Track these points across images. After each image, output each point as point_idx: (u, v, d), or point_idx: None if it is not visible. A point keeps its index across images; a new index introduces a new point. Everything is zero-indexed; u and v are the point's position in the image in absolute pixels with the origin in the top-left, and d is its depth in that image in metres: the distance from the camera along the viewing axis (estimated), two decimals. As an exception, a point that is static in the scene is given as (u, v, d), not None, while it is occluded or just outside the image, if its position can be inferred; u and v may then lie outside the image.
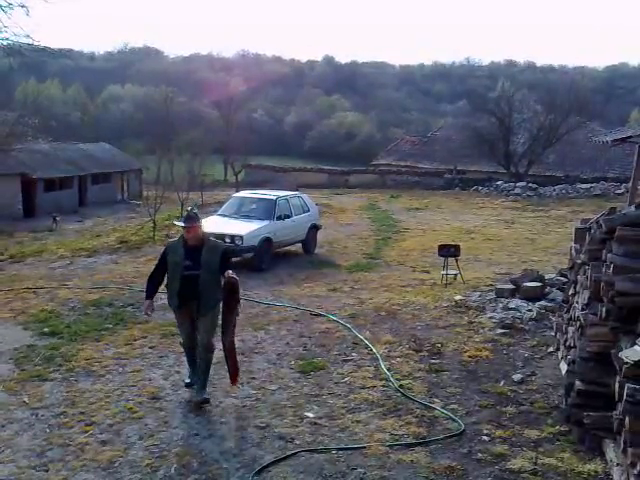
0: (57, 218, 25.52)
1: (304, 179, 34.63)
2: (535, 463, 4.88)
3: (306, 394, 6.37)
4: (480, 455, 5.07)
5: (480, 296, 9.85)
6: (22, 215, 29.68)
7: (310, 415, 5.87)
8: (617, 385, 4.46)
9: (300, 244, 15.75)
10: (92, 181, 35.66)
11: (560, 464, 4.85)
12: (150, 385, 6.64)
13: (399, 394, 6.29)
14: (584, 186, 30.86)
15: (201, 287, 6.12)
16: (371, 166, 40.12)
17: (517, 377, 6.65)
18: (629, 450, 4.15)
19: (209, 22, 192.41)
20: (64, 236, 21.70)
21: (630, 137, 14.30)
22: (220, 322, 6.28)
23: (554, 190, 30.40)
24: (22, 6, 17.90)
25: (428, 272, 13.15)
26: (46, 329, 8.61)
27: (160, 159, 30.52)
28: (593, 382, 5.08)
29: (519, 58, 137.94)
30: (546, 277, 9.86)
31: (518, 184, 31.36)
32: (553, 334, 7.66)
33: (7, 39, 17.75)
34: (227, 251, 6.52)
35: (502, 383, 6.54)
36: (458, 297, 9.82)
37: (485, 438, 5.36)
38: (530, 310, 8.75)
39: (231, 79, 63.40)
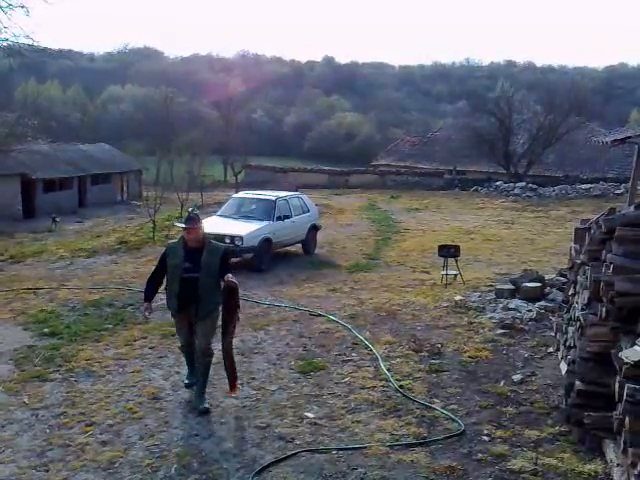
0: (56, 219, 25.51)
1: (304, 179, 34.62)
2: (535, 463, 4.88)
3: (306, 394, 6.37)
4: (480, 455, 5.07)
5: (480, 296, 9.86)
6: (22, 216, 29.64)
7: (310, 415, 5.87)
8: (617, 385, 4.46)
9: (300, 244, 15.76)
10: (92, 182, 35.63)
11: (560, 464, 4.85)
12: (150, 385, 6.64)
13: (399, 394, 6.29)
14: (584, 186, 30.88)
15: (200, 290, 6.06)
16: (371, 166, 40.10)
17: (517, 377, 6.66)
18: (629, 450, 4.15)
19: (209, 22, 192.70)
20: (64, 237, 21.69)
21: (629, 137, 14.31)
22: (220, 325, 6.24)
23: (554, 190, 30.41)
24: (22, 6, 17.98)
25: (428, 272, 13.16)
26: (46, 329, 8.62)
27: (160, 160, 30.56)
28: (593, 382, 5.08)
29: (519, 58, 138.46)
30: (546, 277, 9.87)
31: (518, 184, 31.37)
32: (553, 334, 7.67)
33: (7, 39, 17.77)
34: (227, 252, 6.50)
35: (502, 383, 6.55)
36: (458, 297, 9.83)
37: (485, 438, 5.36)
38: (530, 310, 8.75)
39: (231, 79, 63.35)
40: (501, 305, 9.17)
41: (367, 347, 7.73)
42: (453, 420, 5.69)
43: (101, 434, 5.55)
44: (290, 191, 18.43)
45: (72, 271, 13.79)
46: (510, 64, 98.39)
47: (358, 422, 5.71)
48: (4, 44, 18.24)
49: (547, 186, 30.97)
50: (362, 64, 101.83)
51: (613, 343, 4.88)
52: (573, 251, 7.15)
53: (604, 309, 4.97)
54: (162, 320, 8.60)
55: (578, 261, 6.44)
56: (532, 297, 9.19)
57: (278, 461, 5.05)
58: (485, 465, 4.93)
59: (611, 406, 4.66)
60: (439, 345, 7.71)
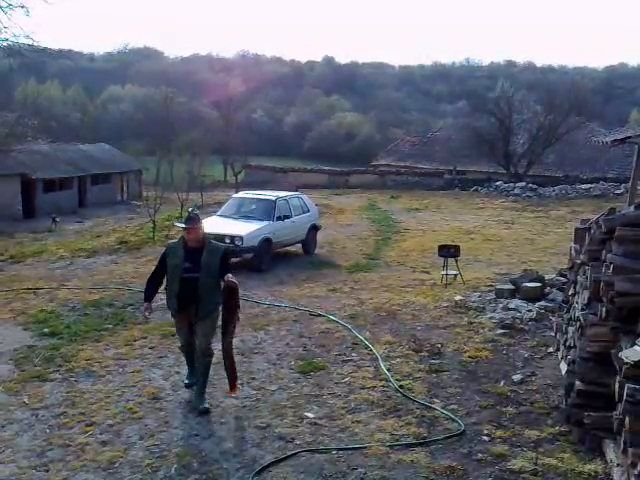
0: (56, 219, 25.52)
1: (304, 179, 34.62)
2: (535, 463, 4.88)
3: (306, 394, 6.38)
4: (480, 455, 5.07)
5: (480, 296, 9.86)
6: (22, 216, 29.64)
7: (310, 415, 5.87)
8: (617, 385, 4.46)
9: (300, 244, 15.76)
10: (92, 182, 35.63)
11: (560, 464, 4.85)
12: (150, 385, 6.64)
13: (399, 394, 6.29)
14: (584, 186, 30.88)
15: (200, 290, 6.05)
16: (371, 166, 40.10)
17: (517, 377, 6.66)
18: (629, 450, 4.15)
19: (209, 22, 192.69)
20: (64, 237, 21.69)
21: (629, 137, 14.31)
22: (220, 326, 6.22)
23: (554, 190, 30.41)
24: (22, 6, 17.99)
25: (428, 272, 13.16)
26: (46, 329, 8.62)
27: (160, 160, 30.57)
28: (593, 382, 5.08)
29: (519, 58, 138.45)
30: (546, 277, 9.87)
31: (518, 184, 31.38)
32: (553, 334, 7.67)
33: (7, 39, 17.78)
34: (227, 252, 6.50)
35: (502, 383, 6.55)
36: (458, 297, 9.83)
37: (485, 438, 5.36)
38: (530, 310, 8.75)
39: (231, 79, 63.36)
40: (501, 305, 9.18)
41: (367, 347, 7.73)
42: (453, 420, 5.69)
43: (101, 434, 5.55)
44: (290, 191, 18.44)
45: (72, 271, 13.80)
46: (510, 64, 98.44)
47: (358, 422, 5.71)
48: (4, 44, 18.26)
49: (547, 186, 30.98)
50: (362, 64, 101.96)
51: (613, 343, 4.88)
52: (573, 251, 7.15)
53: (604, 309, 4.97)
54: (162, 320, 8.60)
55: (578, 261, 6.44)
56: (532, 297, 9.19)
57: (278, 461, 5.05)
58: (485, 465, 4.93)
59: (611, 406, 4.66)
60: (439, 345, 7.71)
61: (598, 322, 5.11)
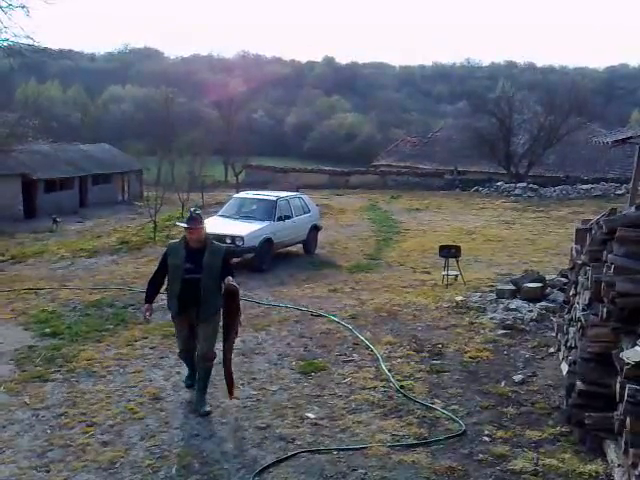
0: (57, 219, 25.53)
1: (304, 180, 34.63)
2: (536, 464, 4.88)
3: (307, 395, 6.37)
4: (481, 456, 5.07)
5: (481, 297, 9.86)
6: (23, 216, 29.67)
7: (311, 416, 5.87)
8: (618, 386, 4.46)
9: (301, 245, 15.76)
10: (93, 182, 35.66)
11: (561, 465, 4.85)
12: (151, 386, 6.64)
13: (400, 395, 6.29)
14: (584, 187, 30.86)
15: (202, 292, 5.98)
16: (371, 167, 40.11)
17: (518, 378, 6.65)
18: (630, 451, 4.14)
19: (209, 22, 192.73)
20: (65, 237, 21.71)
21: (630, 138, 14.31)
22: (221, 329, 6.14)
23: (554, 191, 30.40)
24: (22, 7, 18.03)
25: (429, 273, 13.15)
26: (47, 330, 8.62)
27: (161, 160, 30.62)
28: (594, 383, 5.08)
29: (519, 59, 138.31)
30: (547, 278, 9.86)
31: (518, 185, 31.36)
32: (554, 335, 7.67)
33: (7, 40, 17.80)
34: (228, 253, 6.46)
35: (503, 384, 6.54)
36: (459, 298, 9.83)
37: (486, 439, 5.36)
38: (531, 311, 8.75)
39: (231, 80, 63.37)
40: (502, 305, 9.17)
41: (368, 347, 7.73)
42: (454, 420, 5.69)
43: (102, 434, 5.55)
44: (291, 191, 18.44)
45: (73, 271, 13.80)
46: (510, 64, 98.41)
47: (359, 422, 5.71)
48: (5, 44, 18.27)
49: (548, 186, 30.96)
50: (362, 64, 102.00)
51: (614, 344, 4.87)
52: (574, 252, 7.15)
53: (605, 310, 4.97)
54: (163, 320, 8.59)
55: (579, 262, 6.44)
56: (533, 297, 9.19)
57: (279, 461, 5.05)
58: (486, 465, 4.93)
59: (612, 407, 4.66)
60: (440, 345, 7.72)
61: (599, 323, 5.10)
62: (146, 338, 8.23)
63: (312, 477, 4.83)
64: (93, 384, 6.69)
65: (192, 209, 6.53)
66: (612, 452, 4.71)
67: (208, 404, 6.07)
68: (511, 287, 9.69)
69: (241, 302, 6.27)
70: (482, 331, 8.26)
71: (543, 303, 8.98)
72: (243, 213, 15.01)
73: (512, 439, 5.33)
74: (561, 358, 6.90)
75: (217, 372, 6.49)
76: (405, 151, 40.89)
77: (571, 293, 6.84)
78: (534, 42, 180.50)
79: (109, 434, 5.56)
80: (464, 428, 5.52)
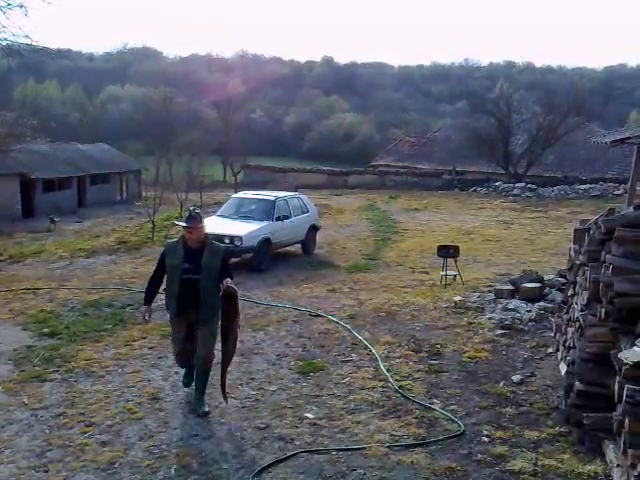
0: (55, 219, 25.52)
1: (303, 180, 34.64)
2: (535, 464, 4.88)
3: (306, 395, 6.37)
4: (480, 456, 5.07)
5: (479, 297, 9.86)
6: (21, 215, 29.68)
7: (310, 416, 5.87)
8: (617, 386, 4.46)
9: (299, 245, 15.76)
10: (91, 182, 35.67)
11: (560, 465, 4.85)
12: (150, 386, 6.63)
13: (399, 395, 6.29)
14: (583, 187, 30.90)
15: (201, 292, 5.91)
16: (370, 167, 40.12)
17: (517, 378, 6.65)
18: (629, 451, 4.15)
19: (208, 22, 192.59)
20: (63, 236, 21.69)
21: (629, 138, 14.31)
22: (220, 332, 6.08)
23: (553, 191, 30.44)
24: (21, 6, 18.00)
25: (427, 273, 13.15)
26: (45, 330, 8.61)
27: (159, 160, 30.59)
28: (593, 383, 5.08)
29: (518, 59, 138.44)
30: (545, 278, 9.86)
31: (517, 185, 31.40)
32: (552, 335, 7.67)
33: (6, 39, 17.78)
34: (227, 253, 6.43)
35: (502, 384, 6.55)
36: (457, 298, 9.82)
37: (485, 439, 5.36)
38: (529, 311, 8.75)
39: (230, 80, 63.44)
40: (500, 306, 9.17)
41: (366, 348, 7.72)
42: (453, 421, 5.69)
43: (100, 434, 5.55)
44: (289, 191, 18.44)
45: (71, 271, 13.79)
46: (509, 64, 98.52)
47: (358, 423, 5.71)
48: (3, 44, 18.25)
49: (546, 186, 31.00)
50: (361, 64, 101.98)
51: (613, 344, 4.88)
52: (572, 252, 7.15)
53: (603, 310, 4.97)
54: (162, 320, 8.58)
55: (577, 262, 6.45)
56: (531, 298, 9.19)
57: (278, 462, 5.04)
58: (485, 466, 4.93)
59: (611, 407, 4.66)
60: (438, 346, 7.72)
61: (597, 323, 5.11)
62: (145, 338, 8.22)
63: (311, 477, 4.83)
64: (92, 384, 6.69)
65: (191, 208, 6.48)
66: (611, 452, 4.71)
67: (207, 404, 6.06)
68: (509, 287, 9.69)
69: (240, 303, 6.25)
70: (481, 331, 8.26)
71: (541, 303, 8.97)
72: (242, 213, 15.01)
73: (511, 439, 5.33)
74: (560, 358, 6.90)
75: (215, 372, 6.49)
76: (404, 151, 40.91)
77: (569, 293, 6.84)
78: (533, 42, 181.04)
79: (108, 434, 5.56)
80: (463, 428, 5.51)
